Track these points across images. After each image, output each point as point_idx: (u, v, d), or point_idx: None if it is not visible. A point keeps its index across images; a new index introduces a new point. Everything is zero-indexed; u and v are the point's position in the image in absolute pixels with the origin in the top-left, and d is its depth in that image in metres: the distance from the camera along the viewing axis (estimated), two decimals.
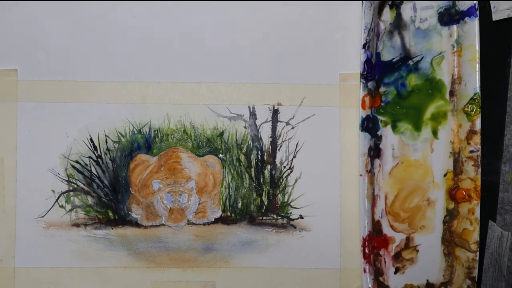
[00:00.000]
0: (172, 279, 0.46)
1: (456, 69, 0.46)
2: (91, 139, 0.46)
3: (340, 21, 0.46)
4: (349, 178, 0.46)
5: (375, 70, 0.45)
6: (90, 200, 0.46)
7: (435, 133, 0.46)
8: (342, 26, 0.46)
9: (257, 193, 0.46)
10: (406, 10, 0.46)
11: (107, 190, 0.46)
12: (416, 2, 0.46)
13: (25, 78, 0.45)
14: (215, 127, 0.46)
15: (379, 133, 0.46)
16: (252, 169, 0.46)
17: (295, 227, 0.46)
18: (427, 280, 0.46)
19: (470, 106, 0.44)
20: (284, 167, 0.46)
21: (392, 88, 0.46)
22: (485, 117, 0.44)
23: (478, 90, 0.44)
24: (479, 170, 0.44)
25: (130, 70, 0.46)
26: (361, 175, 0.45)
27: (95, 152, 0.46)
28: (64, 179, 0.45)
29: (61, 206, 0.45)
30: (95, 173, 0.46)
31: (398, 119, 0.46)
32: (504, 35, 0.46)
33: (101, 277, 0.45)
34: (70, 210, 0.45)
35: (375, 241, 0.46)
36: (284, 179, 0.46)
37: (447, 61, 0.46)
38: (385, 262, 0.46)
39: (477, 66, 0.44)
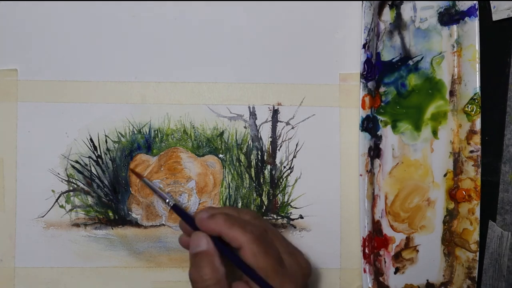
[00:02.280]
0: (172, 279, 0.46)
1: (456, 69, 0.46)
2: (91, 139, 0.46)
3: (340, 21, 0.46)
4: (349, 178, 0.46)
5: (375, 70, 0.45)
6: (90, 200, 0.46)
7: (435, 133, 0.46)
8: (342, 26, 0.46)
9: (257, 193, 0.46)
10: (406, 10, 0.46)
11: (107, 190, 0.46)
12: (416, 2, 0.46)
13: (25, 78, 0.45)
14: (215, 127, 0.46)
15: (379, 133, 0.46)
16: (252, 169, 0.46)
17: (295, 227, 0.46)
18: (427, 280, 0.46)
19: (470, 106, 0.45)
20: (284, 167, 0.46)
21: (392, 88, 0.46)
22: (485, 117, 0.44)
23: (478, 90, 0.44)
24: (479, 170, 0.44)
25: (130, 70, 0.46)
26: (361, 175, 0.45)
27: (95, 152, 0.46)
28: (64, 179, 0.45)
29: (61, 206, 0.45)
30: (95, 173, 0.46)
31: (398, 119, 0.46)
32: (504, 35, 0.46)
33: (101, 277, 0.45)
34: (70, 210, 0.45)
35: (375, 241, 0.46)
36: (284, 179, 0.46)
37: (447, 61, 0.46)
38: (385, 262, 0.46)
39: (477, 66, 0.44)
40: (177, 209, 0.39)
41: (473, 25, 0.44)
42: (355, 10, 0.46)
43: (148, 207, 0.46)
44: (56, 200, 0.45)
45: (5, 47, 0.45)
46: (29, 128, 0.45)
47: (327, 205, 0.46)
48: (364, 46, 0.44)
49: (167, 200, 0.40)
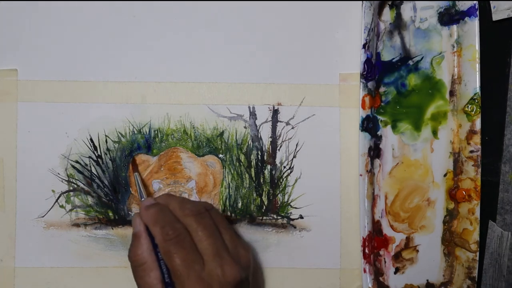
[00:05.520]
0: None
1: (456, 69, 0.46)
2: (91, 139, 0.46)
3: (340, 21, 0.46)
4: (349, 178, 0.46)
5: (375, 70, 0.45)
6: (90, 200, 0.46)
7: (435, 133, 0.46)
8: (342, 26, 0.46)
9: (257, 193, 0.46)
10: (406, 10, 0.46)
11: (107, 190, 0.46)
12: (416, 2, 0.46)
13: (25, 78, 0.45)
14: (215, 127, 0.46)
15: (379, 133, 0.46)
16: (252, 169, 0.46)
17: (295, 227, 0.46)
18: (427, 280, 0.46)
19: (470, 106, 0.45)
20: (284, 167, 0.46)
21: (392, 88, 0.46)
22: (485, 117, 0.44)
23: (478, 90, 0.44)
24: (479, 170, 0.44)
25: (130, 70, 0.46)
26: (361, 175, 0.45)
27: (95, 152, 0.46)
28: (64, 179, 0.45)
29: (61, 206, 0.45)
30: (95, 173, 0.46)
31: (398, 119, 0.46)
32: (504, 35, 0.46)
33: (101, 277, 0.45)
34: (70, 210, 0.45)
35: (375, 241, 0.46)
36: (284, 179, 0.46)
37: (447, 61, 0.46)
38: (385, 262, 0.46)
39: (477, 66, 0.44)
40: None
41: (473, 25, 0.44)
42: (355, 10, 0.46)
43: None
44: (56, 200, 0.45)
45: (5, 47, 0.45)
46: (29, 128, 0.45)
47: (327, 205, 0.46)
48: (364, 46, 0.44)
49: (142, 199, 0.42)
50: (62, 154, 0.45)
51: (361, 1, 0.44)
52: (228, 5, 0.46)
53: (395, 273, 0.46)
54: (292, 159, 0.46)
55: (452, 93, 0.46)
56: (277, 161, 0.46)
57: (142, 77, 0.46)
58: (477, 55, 0.44)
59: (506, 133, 0.45)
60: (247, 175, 0.46)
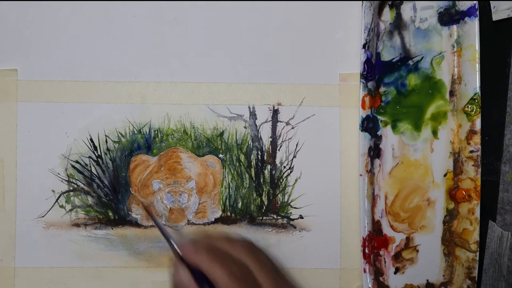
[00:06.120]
0: None
1: (456, 69, 0.46)
2: (91, 139, 0.46)
3: (340, 21, 0.46)
4: (349, 178, 0.46)
5: (375, 70, 0.45)
6: (90, 200, 0.46)
7: (435, 133, 0.46)
8: (342, 26, 0.46)
9: (257, 193, 0.46)
10: (406, 10, 0.46)
11: (107, 190, 0.46)
12: (416, 2, 0.46)
13: (25, 78, 0.45)
14: (215, 127, 0.46)
15: (379, 133, 0.46)
16: (252, 169, 0.46)
17: (295, 227, 0.46)
18: (427, 280, 0.46)
19: (470, 106, 0.45)
20: (284, 167, 0.46)
21: (392, 88, 0.46)
22: (485, 117, 0.44)
23: (478, 90, 0.44)
24: (479, 170, 0.44)
25: (130, 70, 0.46)
26: (361, 175, 0.45)
27: (95, 152, 0.46)
28: (64, 179, 0.45)
29: (61, 206, 0.45)
30: (95, 173, 0.46)
31: (398, 119, 0.46)
32: (504, 35, 0.46)
33: (101, 277, 0.45)
34: (70, 210, 0.45)
35: (375, 241, 0.46)
36: (284, 179, 0.46)
37: (447, 61, 0.46)
38: (385, 262, 0.46)
39: (477, 66, 0.44)
40: (171, 245, 0.39)
41: (473, 25, 0.44)
42: (355, 10, 0.46)
43: (148, 207, 0.46)
44: (56, 200, 0.45)
45: (5, 47, 0.45)
46: (29, 128, 0.45)
47: (327, 205, 0.46)
48: (364, 46, 0.44)
49: (170, 240, 0.39)
50: (62, 154, 0.45)
51: (361, 1, 0.44)
52: (228, 5, 0.46)
53: (395, 273, 0.46)
54: (292, 159, 0.46)
55: (452, 93, 0.46)
56: (277, 161, 0.46)
57: (142, 77, 0.46)
58: (477, 55, 0.44)
59: (506, 133, 0.45)
60: (247, 175, 0.46)
